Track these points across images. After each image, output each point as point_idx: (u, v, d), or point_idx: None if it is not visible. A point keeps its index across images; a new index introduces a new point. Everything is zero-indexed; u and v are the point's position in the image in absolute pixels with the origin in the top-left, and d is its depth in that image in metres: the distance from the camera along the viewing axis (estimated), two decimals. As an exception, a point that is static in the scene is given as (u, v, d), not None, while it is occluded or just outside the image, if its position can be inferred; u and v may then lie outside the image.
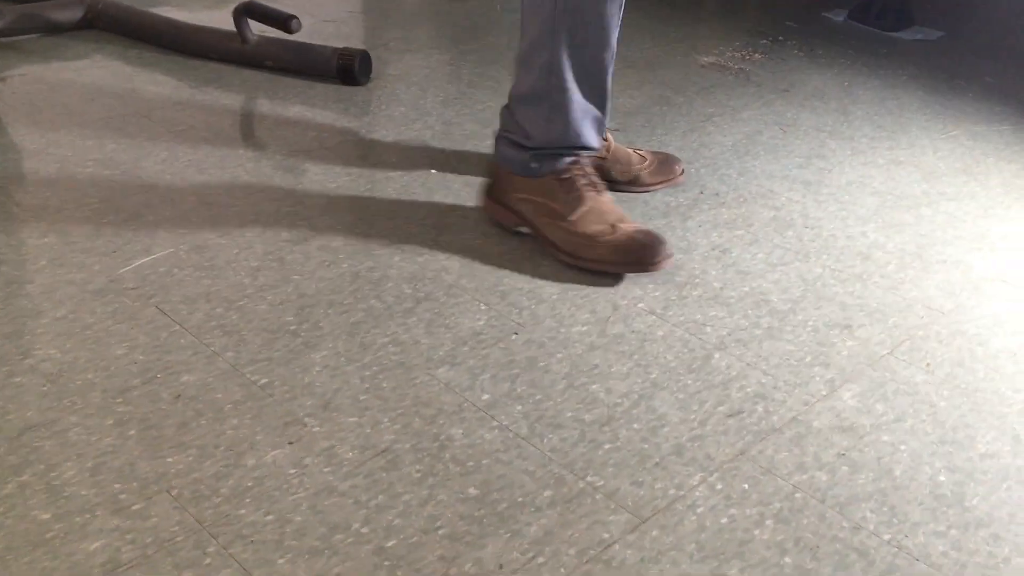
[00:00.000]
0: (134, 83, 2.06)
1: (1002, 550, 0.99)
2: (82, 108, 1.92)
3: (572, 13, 1.37)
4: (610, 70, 1.46)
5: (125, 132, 1.82)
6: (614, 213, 1.46)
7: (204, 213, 1.55)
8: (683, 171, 1.71)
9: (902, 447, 1.12)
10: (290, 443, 1.08)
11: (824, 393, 1.21)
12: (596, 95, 1.46)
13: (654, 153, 1.71)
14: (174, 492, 1.00)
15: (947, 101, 2.18)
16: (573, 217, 1.44)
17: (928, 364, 1.27)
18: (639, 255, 1.41)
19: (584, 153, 1.49)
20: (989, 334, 1.34)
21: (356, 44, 2.31)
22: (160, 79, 2.08)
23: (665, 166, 1.70)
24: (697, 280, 1.44)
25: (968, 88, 2.26)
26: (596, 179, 1.49)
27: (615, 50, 1.44)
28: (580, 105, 1.45)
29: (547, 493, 1.03)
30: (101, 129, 1.83)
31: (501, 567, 0.94)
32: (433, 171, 1.73)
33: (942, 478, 1.08)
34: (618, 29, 1.42)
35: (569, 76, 1.42)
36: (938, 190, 1.75)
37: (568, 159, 1.47)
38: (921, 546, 0.99)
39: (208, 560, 0.92)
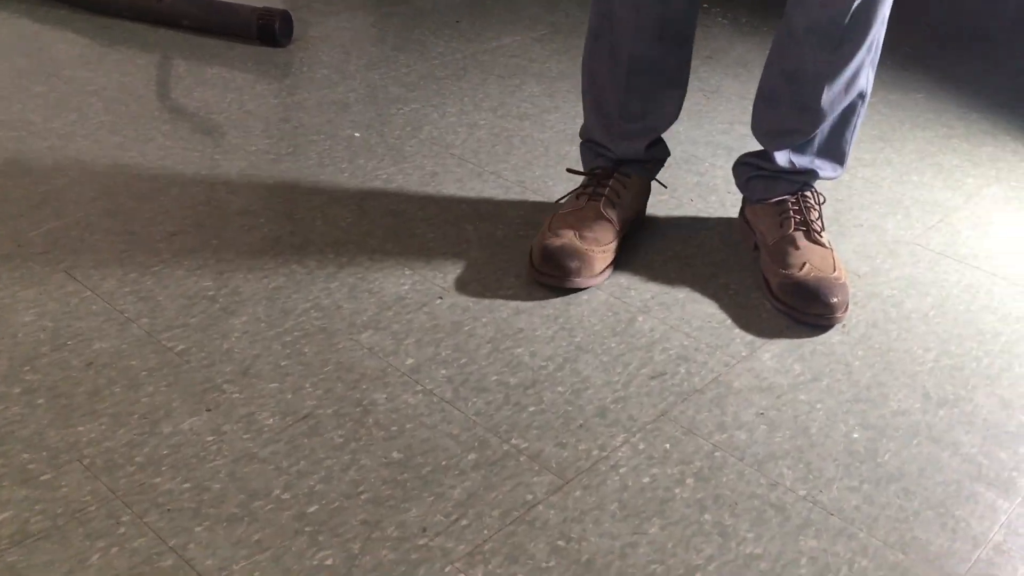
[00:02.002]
0: (42, 41, 1.97)
1: (912, 503, 1.02)
2: (-14, 66, 1.83)
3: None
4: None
5: (33, 92, 1.75)
6: (564, 222, 1.36)
7: (117, 176, 1.50)
8: None
9: (818, 406, 1.15)
10: (208, 410, 1.05)
11: (744, 354, 1.23)
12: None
13: None
14: (86, 461, 0.97)
15: (866, 70, 2.22)
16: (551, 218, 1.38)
17: (844, 325, 1.30)
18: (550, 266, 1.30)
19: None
20: (902, 296, 1.38)
21: (277, 4, 2.24)
22: (70, 37, 2.00)
23: None
24: (623, 244, 1.44)
25: (886, 58, 2.30)
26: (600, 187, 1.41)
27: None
28: None
29: (471, 456, 1.03)
30: (8, 88, 1.75)
31: (424, 530, 0.94)
32: (357, 134, 1.70)
33: (856, 435, 1.11)
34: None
35: None
36: (855, 156, 1.78)
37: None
38: (835, 500, 1.02)
39: (122, 530, 0.90)
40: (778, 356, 1.23)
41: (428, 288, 1.30)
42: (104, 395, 1.06)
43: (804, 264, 1.31)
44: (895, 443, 1.10)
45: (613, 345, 1.22)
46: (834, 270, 1.31)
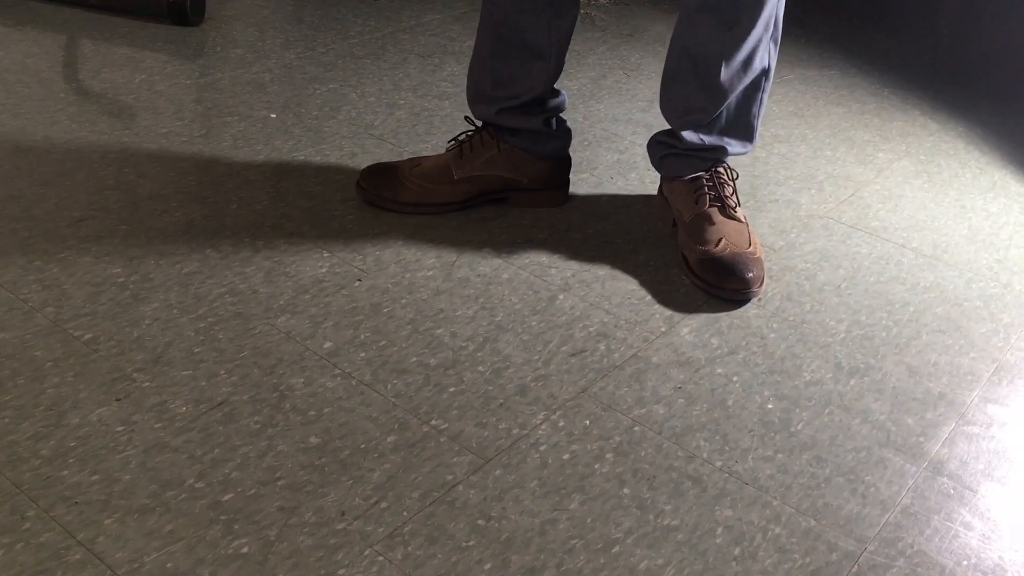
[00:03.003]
0: (-62, 21, 1.89)
1: (824, 470, 1.05)
2: None
3: None
4: None
5: (-72, 74, 1.67)
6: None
7: (20, 161, 1.44)
8: None
9: (735, 378, 1.17)
10: (117, 400, 1.03)
11: (663, 330, 1.24)
12: None
13: None
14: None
15: (783, 47, 2.25)
16: None
17: (759, 299, 1.32)
18: None
19: None
20: (816, 269, 1.41)
21: (189, -18, 2.18)
22: (-32, 17, 1.92)
23: None
24: (543, 223, 1.44)
25: (802, 35, 2.34)
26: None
27: None
28: None
29: (391, 439, 1.02)
30: (-101, 70, 1.67)
31: (343, 514, 0.93)
32: (273, 115, 1.67)
33: (770, 406, 1.13)
34: None
35: None
36: (771, 132, 1.81)
37: None
38: (750, 470, 1.04)
39: (27, 525, 0.87)
40: (696, 331, 1.25)
41: (346, 270, 1.28)
42: (7, 387, 1.02)
43: (720, 240, 1.33)
44: (808, 413, 1.13)
45: (534, 324, 1.23)
46: (749, 245, 1.33)
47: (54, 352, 1.08)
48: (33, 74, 1.71)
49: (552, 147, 1.46)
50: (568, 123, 1.48)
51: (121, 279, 1.21)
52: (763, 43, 1.32)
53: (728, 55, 1.30)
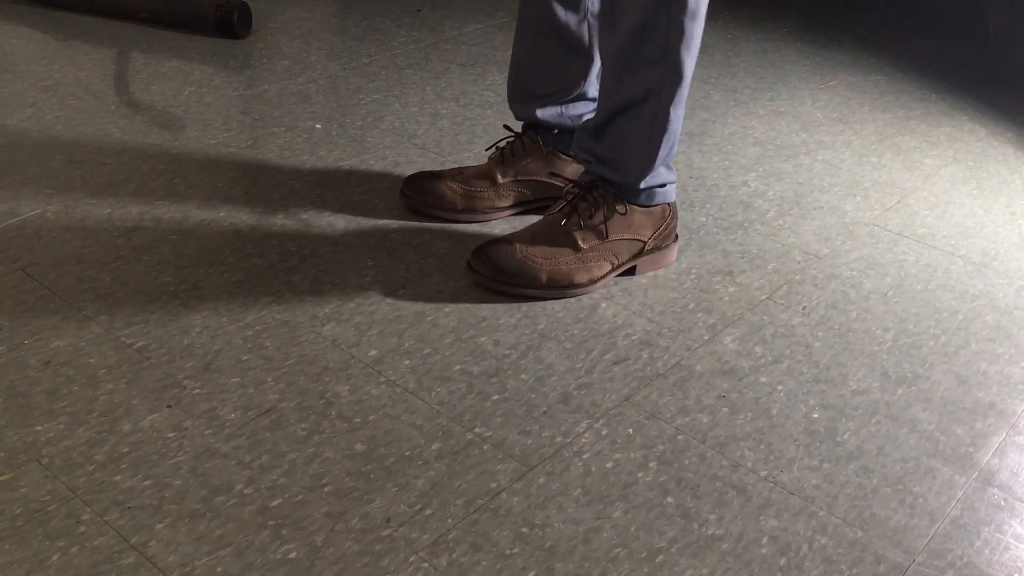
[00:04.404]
0: (-5, 36, 1.94)
1: (871, 481, 1.04)
2: (-63, 63, 1.80)
3: None
4: None
5: (-14, 88, 1.72)
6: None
7: (73, 172, 1.48)
8: None
9: (779, 387, 1.16)
10: (168, 406, 1.05)
11: (706, 338, 1.24)
12: None
13: None
14: (44, 461, 0.96)
15: (825, 52, 2.24)
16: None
17: (804, 307, 1.31)
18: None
19: None
20: (862, 277, 1.39)
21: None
22: (24, 32, 1.97)
23: None
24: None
25: (845, 40, 2.32)
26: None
27: None
28: None
29: (435, 446, 1.03)
30: (-41, 85, 1.72)
31: (388, 521, 0.94)
32: (318, 126, 1.69)
33: (816, 415, 1.12)
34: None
35: None
36: (816, 139, 1.80)
37: None
38: (795, 480, 1.03)
39: (82, 529, 0.89)
40: (740, 339, 1.24)
41: (391, 279, 1.30)
42: (62, 394, 1.05)
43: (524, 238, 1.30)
44: (854, 422, 1.12)
45: (576, 332, 1.23)
46: (540, 263, 1.27)
47: (107, 359, 1.11)
48: (85, 87, 1.75)
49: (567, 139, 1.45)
50: None
51: (172, 288, 1.24)
52: (642, 58, 1.20)
53: (609, 59, 1.24)
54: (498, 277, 1.27)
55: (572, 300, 1.29)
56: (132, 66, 1.87)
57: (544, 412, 1.09)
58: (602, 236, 1.29)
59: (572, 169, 1.44)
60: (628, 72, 1.22)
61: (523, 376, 1.14)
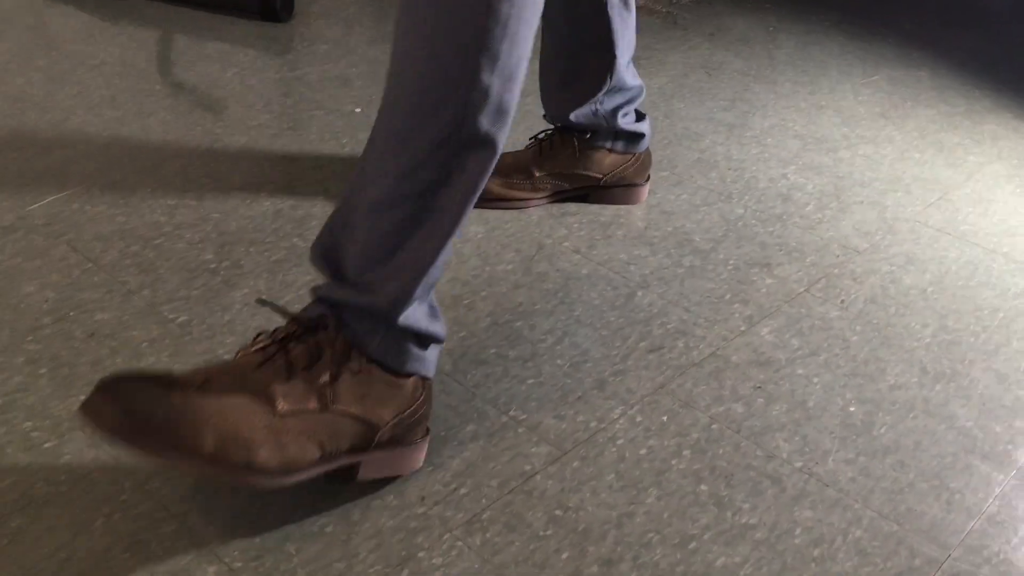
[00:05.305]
0: (44, 15, 1.97)
1: (907, 475, 1.03)
2: (-13, 40, 1.83)
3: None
4: None
5: (35, 66, 1.75)
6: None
7: (118, 150, 1.50)
8: None
9: (815, 380, 1.16)
10: (209, 380, 1.06)
11: (743, 329, 1.23)
12: None
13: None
14: (88, 430, 0.98)
15: (868, 47, 2.21)
16: None
17: (843, 301, 1.30)
18: None
19: None
20: (901, 272, 1.38)
21: (278, -21, 2.24)
22: (71, 12, 2.00)
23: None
24: (622, 220, 1.45)
25: (888, 34, 2.29)
26: None
27: None
28: None
29: (470, 427, 1.04)
30: (9, 63, 1.75)
31: (423, 499, 0.95)
32: (358, 109, 1.70)
33: (852, 408, 1.12)
34: None
35: None
36: (857, 133, 1.78)
37: None
38: (831, 472, 1.02)
39: (125, 496, 0.91)
40: (776, 331, 1.23)
41: (428, 262, 1.30)
42: (106, 365, 1.07)
43: None
44: (891, 416, 1.11)
45: (612, 319, 1.23)
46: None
47: (150, 333, 1.12)
48: (131, 67, 1.78)
49: (627, 143, 1.46)
50: (647, 119, 1.48)
51: (212, 265, 1.25)
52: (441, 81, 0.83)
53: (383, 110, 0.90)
54: (135, 427, 0.77)
55: (608, 288, 1.29)
56: (176, 48, 1.89)
57: (579, 397, 1.10)
58: (317, 402, 0.86)
59: (610, 161, 1.44)
60: None
61: (558, 361, 1.15)
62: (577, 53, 1.38)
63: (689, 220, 1.46)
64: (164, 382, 0.81)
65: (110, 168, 1.45)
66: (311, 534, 0.89)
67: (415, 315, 0.90)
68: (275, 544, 0.88)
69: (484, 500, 0.95)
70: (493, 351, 1.15)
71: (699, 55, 2.06)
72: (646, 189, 1.50)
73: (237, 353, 0.88)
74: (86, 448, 0.96)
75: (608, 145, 1.43)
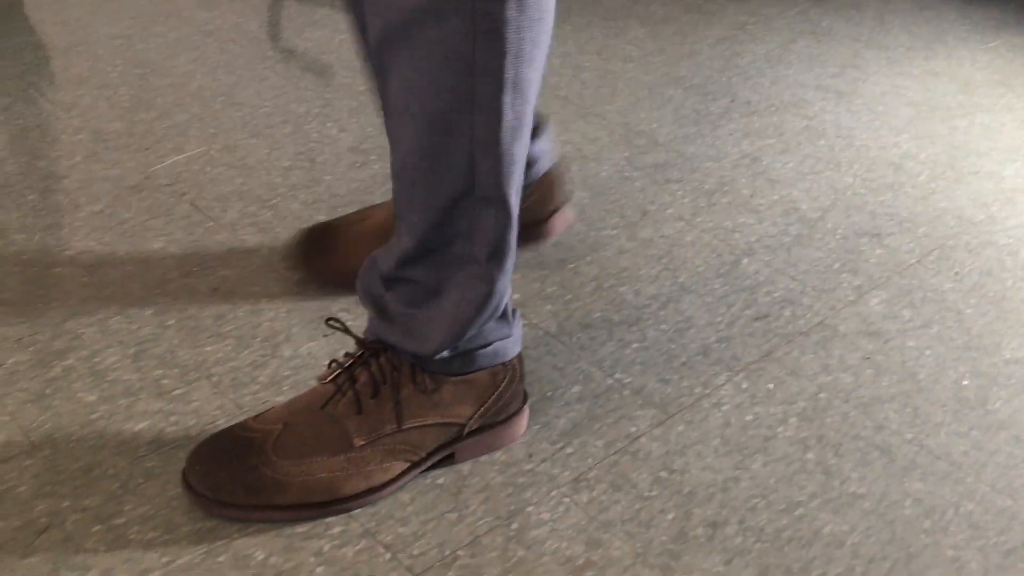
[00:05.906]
0: (161, -17, 2.04)
1: (1022, 451, 1.01)
2: (109, 6, 1.91)
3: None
4: None
5: (154, 32, 1.82)
6: None
7: (234, 113, 1.55)
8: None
9: (927, 352, 1.13)
10: (325, 336, 1.10)
11: (851, 299, 1.22)
12: None
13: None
14: (213, 379, 1.03)
15: (987, 11, 2.12)
16: None
17: (956, 273, 1.27)
18: None
19: None
20: (1018, 244, 1.34)
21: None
22: (186, -21, 2.06)
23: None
24: (727, 187, 1.43)
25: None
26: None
27: None
28: None
29: (575, 388, 1.06)
30: (130, 28, 1.82)
31: (531, 456, 0.97)
32: (462, 75, 1.72)
33: (966, 382, 1.09)
34: None
35: None
36: (974, 101, 1.72)
37: None
38: (943, 445, 1.01)
39: (249, 443, 0.96)
40: (887, 302, 1.21)
41: (533, 226, 1.32)
42: (229, 318, 1.12)
43: None
44: (1007, 391, 1.08)
45: (717, 286, 1.23)
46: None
47: (269, 289, 1.17)
48: (244, 33, 1.83)
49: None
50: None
51: (325, 225, 1.29)
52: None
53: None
54: (220, 503, 0.86)
55: (713, 255, 1.28)
56: (286, 14, 1.94)
57: (684, 363, 1.10)
58: (391, 424, 0.89)
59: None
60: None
61: (663, 327, 1.15)
62: None
63: (796, 188, 1.44)
64: (243, 444, 0.87)
65: (227, 131, 1.50)
66: (424, 485, 0.93)
67: (474, 338, 0.89)
68: (390, 492, 0.92)
69: (590, 460, 0.97)
70: (598, 315, 1.17)
71: (807, 20, 2.01)
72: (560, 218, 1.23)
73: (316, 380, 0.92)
74: (212, 395, 1.01)
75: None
